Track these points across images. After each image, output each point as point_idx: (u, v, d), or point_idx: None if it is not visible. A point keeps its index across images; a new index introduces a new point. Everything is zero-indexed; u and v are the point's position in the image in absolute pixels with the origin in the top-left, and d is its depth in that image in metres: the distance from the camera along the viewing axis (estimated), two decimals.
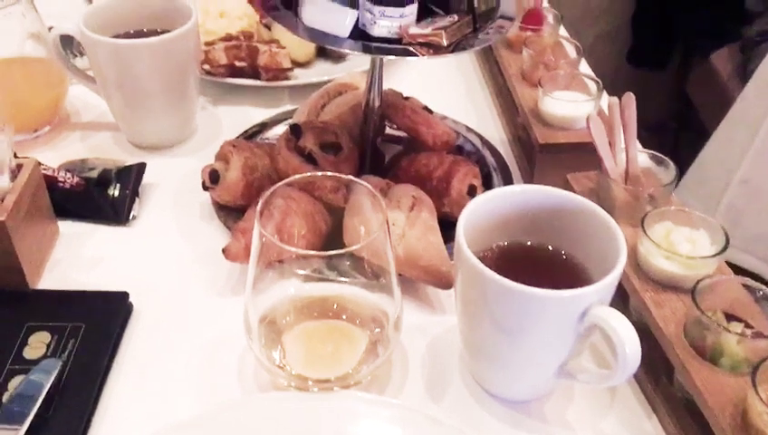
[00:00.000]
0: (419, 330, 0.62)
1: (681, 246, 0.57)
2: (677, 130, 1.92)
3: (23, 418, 0.50)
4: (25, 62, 0.81)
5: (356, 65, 0.92)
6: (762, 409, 0.46)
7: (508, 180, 0.78)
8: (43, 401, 0.52)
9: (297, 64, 0.93)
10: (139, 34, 0.79)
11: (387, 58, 0.67)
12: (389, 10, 0.58)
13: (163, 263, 0.69)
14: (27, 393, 0.52)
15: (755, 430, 0.46)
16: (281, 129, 0.84)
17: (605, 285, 0.48)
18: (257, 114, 0.87)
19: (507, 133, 0.87)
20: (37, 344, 0.57)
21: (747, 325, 0.53)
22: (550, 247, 0.57)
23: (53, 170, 0.70)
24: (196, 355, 0.60)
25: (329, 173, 0.60)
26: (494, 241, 0.57)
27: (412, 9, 0.59)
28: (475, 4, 0.61)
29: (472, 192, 0.70)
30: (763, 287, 0.54)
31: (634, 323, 0.48)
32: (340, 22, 0.58)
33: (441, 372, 0.59)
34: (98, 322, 0.60)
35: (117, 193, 0.72)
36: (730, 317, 0.53)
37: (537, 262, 0.56)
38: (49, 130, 0.84)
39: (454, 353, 0.61)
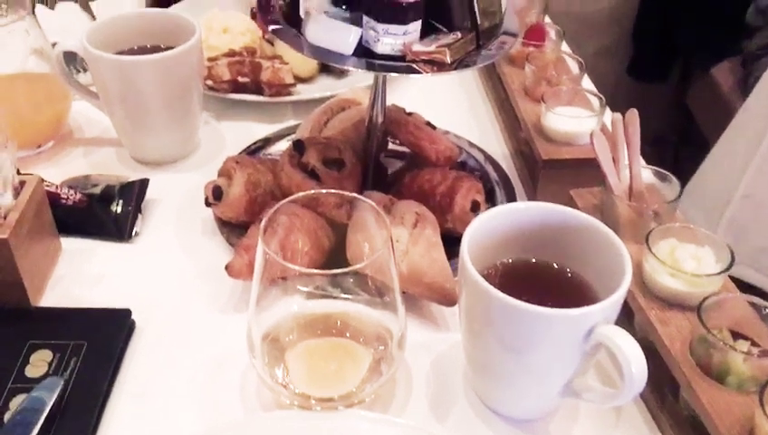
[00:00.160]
0: (423, 347, 0.62)
1: (686, 263, 0.57)
2: (678, 144, 1.92)
3: None
4: (29, 78, 0.81)
5: (359, 81, 0.92)
6: None
7: (511, 196, 0.78)
8: (44, 421, 0.52)
9: (300, 80, 0.93)
10: (143, 50, 0.79)
11: (390, 75, 0.67)
12: (393, 27, 0.58)
13: (166, 279, 0.69)
14: (29, 413, 0.52)
15: None
16: (284, 144, 0.84)
17: (610, 304, 0.48)
18: (260, 129, 0.87)
19: (510, 148, 0.87)
20: (39, 363, 0.57)
21: (754, 344, 0.52)
22: (555, 265, 0.56)
23: (56, 187, 0.70)
24: (198, 373, 0.60)
25: (333, 191, 0.60)
26: (499, 258, 0.57)
27: (416, 27, 0.59)
28: (479, 22, 0.61)
29: (475, 208, 0.70)
30: None
31: (639, 341, 0.48)
32: (344, 39, 0.58)
33: (445, 391, 0.59)
34: (100, 340, 0.59)
35: (119, 209, 0.72)
36: (736, 335, 0.53)
37: (542, 279, 0.56)
38: (52, 145, 0.84)
39: (458, 371, 0.60)
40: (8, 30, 0.77)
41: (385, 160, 0.80)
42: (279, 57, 0.90)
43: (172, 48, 0.76)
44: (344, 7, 0.60)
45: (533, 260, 0.57)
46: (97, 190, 0.73)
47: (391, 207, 0.69)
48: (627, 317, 0.59)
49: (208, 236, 0.73)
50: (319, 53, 0.60)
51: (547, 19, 0.96)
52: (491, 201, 0.76)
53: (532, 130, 0.77)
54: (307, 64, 0.93)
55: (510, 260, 0.57)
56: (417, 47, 0.59)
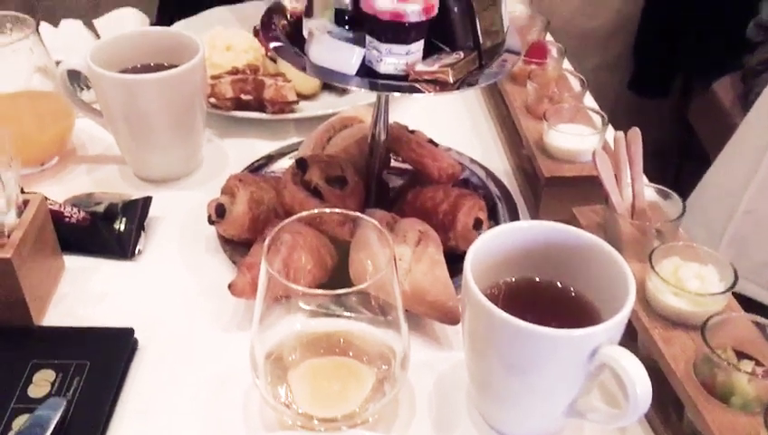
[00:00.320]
0: (426, 366, 0.62)
1: (690, 282, 0.56)
2: (679, 158, 1.92)
3: None
4: (32, 96, 0.82)
5: (361, 98, 0.92)
6: None
7: (513, 213, 0.78)
8: None
9: (302, 97, 0.93)
10: (146, 69, 0.80)
11: (393, 95, 0.67)
12: (396, 47, 0.58)
13: (168, 298, 0.69)
14: (32, 433, 0.51)
15: None
16: (286, 161, 0.84)
17: (614, 325, 0.48)
18: (263, 147, 0.88)
19: (512, 165, 0.87)
20: (42, 383, 0.57)
21: (758, 363, 0.52)
22: (558, 284, 0.56)
23: (60, 205, 0.70)
24: (201, 391, 0.60)
25: (336, 210, 0.60)
26: (502, 277, 0.57)
27: (418, 46, 0.59)
28: (481, 41, 0.61)
29: (478, 226, 0.70)
30: None
31: (643, 360, 0.48)
32: (348, 59, 0.58)
33: (449, 411, 0.59)
34: (103, 359, 0.59)
35: (123, 227, 0.72)
36: (740, 355, 0.53)
37: (546, 298, 0.56)
38: (55, 163, 0.84)
39: (461, 390, 0.60)
40: (13, 48, 0.77)
41: (387, 177, 0.80)
42: (282, 75, 0.90)
43: (176, 66, 0.76)
44: (347, 27, 0.60)
45: (537, 279, 0.57)
46: (100, 208, 0.73)
47: (394, 224, 0.69)
48: (630, 336, 0.59)
49: (211, 254, 0.73)
50: (322, 72, 0.60)
51: (548, 36, 0.97)
52: (493, 218, 0.76)
53: (534, 148, 0.77)
54: (310, 82, 0.93)
55: (513, 279, 0.57)
56: (420, 67, 0.59)
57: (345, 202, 0.70)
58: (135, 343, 0.63)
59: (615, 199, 0.64)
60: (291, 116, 0.90)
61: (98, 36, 1.03)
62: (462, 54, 0.61)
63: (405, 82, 0.59)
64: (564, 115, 0.77)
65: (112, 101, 0.76)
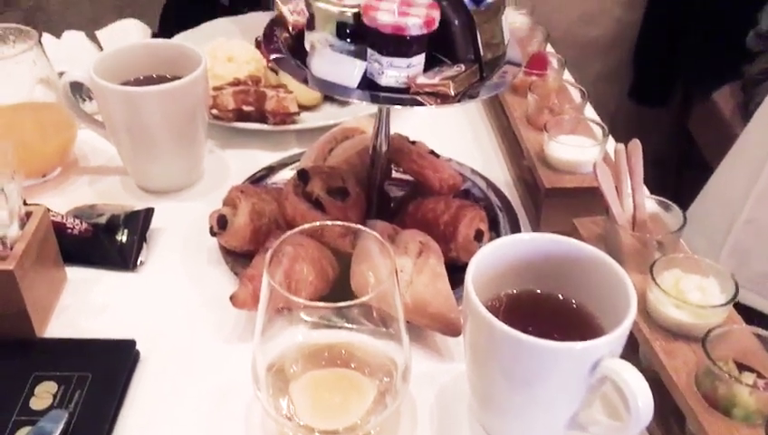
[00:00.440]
0: (427, 377, 0.62)
1: (691, 294, 0.57)
2: (680, 167, 1.92)
3: None
4: (35, 107, 0.82)
5: (362, 109, 0.92)
6: None
7: (514, 224, 0.78)
8: None
9: (304, 108, 0.94)
10: (149, 80, 0.80)
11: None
12: (397, 60, 0.58)
13: (170, 309, 0.69)
14: None
15: None
16: (288, 172, 0.84)
17: (616, 337, 0.48)
18: (265, 158, 0.88)
19: (513, 176, 0.88)
20: (44, 395, 0.57)
21: (760, 375, 0.52)
22: (560, 296, 0.56)
23: (62, 217, 0.70)
24: (203, 403, 0.60)
25: (338, 223, 0.60)
26: (504, 289, 0.57)
27: (419, 59, 0.59)
28: (482, 53, 0.62)
29: (479, 237, 0.70)
30: None
31: (644, 371, 0.48)
32: (349, 73, 0.59)
33: (450, 423, 0.59)
34: (105, 371, 0.59)
35: (125, 239, 0.73)
36: (742, 367, 0.53)
37: (547, 311, 0.56)
38: (58, 174, 0.84)
39: (462, 402, 0.60)
40: (16, 60, 0.77)
41: (388, 188, 0.80)
42: (283, 86, 0.91)
43: (178, 78, 0.76)
44: (348, 40, 0.60)
45: (538, 291, 0.57)
46: (102, 220, 0.73)
47: (395, 236, 0.69)
48: (632, 348, 0.59)
49: (213, 265, 0.73)
50: (324, 85, 0.60)
51: (549, 48, 0.97)
52: (494, 229, 0.76)
53: (534, 159, 0.77)
54: (311, 93, 0.94)
55: (515, 291, 0.57)
56: (421, 79, 0.59)
57: (346, 213, 0.70)
58: (137, 354, 0.63)
59: (616, 211, 0.64)
60: (292, 127, 0.90)
61: (100, 48, 1.04)
62: (463, 67, 0.61)
63: (406, 95, 0.60)
64: (565, 126, 0.77)
65: (115, 112, 0.76)
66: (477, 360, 0.54)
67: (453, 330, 0.63)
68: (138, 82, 0.80)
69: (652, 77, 1.92)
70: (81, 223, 0.71)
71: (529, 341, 0.47)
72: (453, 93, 0.59)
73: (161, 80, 0.78)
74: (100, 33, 1.07)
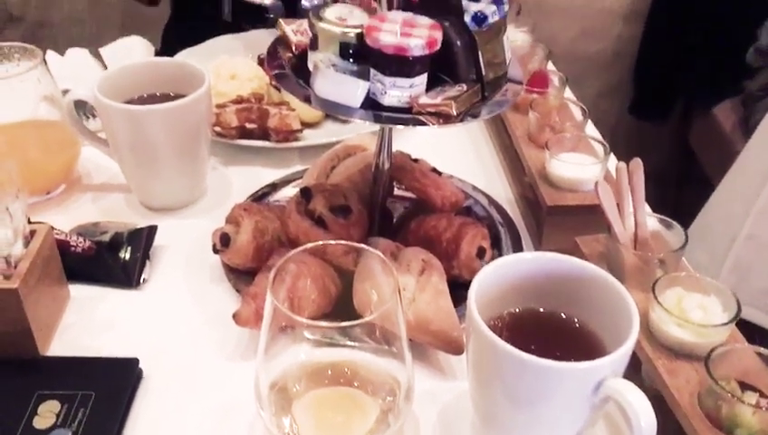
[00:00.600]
0: (430, 396, 0.62)
1: (693, 313, 0.57)
2: (680, 182, 1.92)
3: None
4: (39, 125, 0.82)
5: (364, 127, 0.93)
6: None
7: (516, 241, 0.78)
8: None
9: (306, 125, 0.94)
10: (153, 98, 0.81)
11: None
12: (400, 81, 0.59)
13: (173, 326, 0.69)
14: None
15: None
16: (290, 190, 0.85)
17: (618, 357, 0.48)
18: (267, 175, 0.88)
19: (514, 193, 0.88)
20: (47, 414, 0.57)
21: (762, 395, 0.52)
22: (563, 315, 0.56)
23: (66, 235, 0.71)
24: (205, 422, 0.60)
25: (342, 242, 0.60)
26: (506, 308, 0.57)
27: (422, 79, 0.60)
28: (484, 73, 0.62)
29: (481, 254, 0.71)
30: None
31: (647, 390, 0.48)
32: (352, 93, 0.59)
33: None
34: (108, 390, 0.59)
35: (128, 256, 0.73)
36: (745, 386, 0.53)
37: (550, 330, 0.56)
38: (61, 191, 0.85)
39: (465, 421, 0.60)
40: (20, 78, 0.78)
41: (390, 205, 0.80)
42: (286, 103, 0.91)
43: (182, 96, 0.77)
44: (351, 60, 0.61)
45: (541, 310, 0.57)
46: (106, 238, 0.73)
47: (398, 253, 0.69)
48: (634, 366, 0.59)
49: (216, 283, 0.73)
50: (327, 105, 0.61)
51: (550, 65, 0.98)
52: (496, 247, 0.77)
53: (536, 177, 0.77)
54: (313, 110, 0.94)
55: (517, 310, 0.57)
56: (424, 99, 0.60)
57: (349, 231, 0.70)
58: (140, 372, 0.63)
59: (617, 229, 0.64)
60: (295, 144, 0.91)
61: (104, 65, 1.04)
62: (465, 87, 0.61)
63: (409, 115, 0.60)
64: (566, 144, 0.77)
65: (119, 130, 0.77)
66: (480, 378, 0.54)
67: (455, 348, 0.63)
68: (141, 100, 0.80)
69: (653, 92, 1.93)
70: (85, 241, 0.71)
71: (532, 360, 0.47)
72: (455, 113, 0.59)
73: (165, 98, 0.79)
74: (103, 51, 1.08)
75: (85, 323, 0.68)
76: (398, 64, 0.58)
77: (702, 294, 0.59)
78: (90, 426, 0.56)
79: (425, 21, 0.60)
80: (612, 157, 0.80)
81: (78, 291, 0.71)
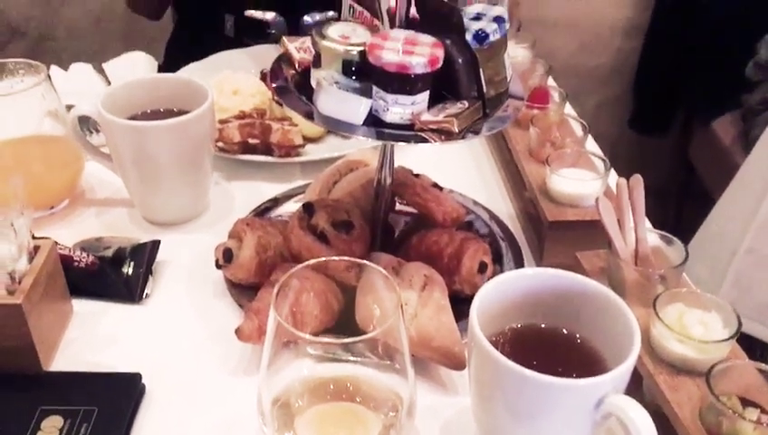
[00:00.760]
0: (432, 411, 0.62)
1: (694, 329, 0.57)
2: (680, 196, 1.93)
3: None
4: (43, 140, 0.83)
5: (366, 142, 0.93)
6: None
7: (518, 256, 0.79)
8: None
9: (308, 140, 0.95)
10: (156, 114, 0.81)
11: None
12: (402, 98, 0.59)
13: (176, 341, 0.69)
14: None
15: None
16: (292, 204, 0.85)
17: (620, 374, 0.48)
18: (269, 189, 0.89)
19: (515, 208, 0.88)
20: (50, 429, 0.57)
21: (763, 411, 0.52)
22: (564, 331, 0.57)
23: (69, 250, 0.71)
24: None
25: (345, 258, 0.61)
26: (508, 323, 0.57)
27: (424, 97, 0.60)
28: (485, 90, 0.63)
29: (482, 269, 0.71)
30: None
31: (648, 406, 0.48)
32: (355, 110, 0.60)
33: None
34: (111, 405, 0.60)
35: (131, 271, 0.73)
36: (746, 402, 0.53)
37: (551, 345, 0.56)
38: (65, 206, 0.85)
39: None
40: (25, 94, 0.79)
41: (392, 220, 0.81)
42: (288, 119, 0.92)
43: (185, 111, 0.78)
44: (354, 78, 0.61)
45: (542, 325, 0.58)
46: (109, 253, 0.74)
47: (399, 269, 0.69)
48: (635, 381, 0.59)
49: (218, 298, 0.73)
50: (330, 122, 0.61)
51: (550, 81, 0.98)
52: (498, 261, 0.77)
53: (537, 192, 0.78)
54: (316, 126, 0.95)
55: (519, 325, 0.57)
56: (426, 116, 0.60)
57: (351, 246, 0.71)
58: (142, 388, 0.63)
59: (618, 245, 0.65)
60: (297, 159, 0.91)
61: (107, 79, 1.05)
62: (466, 104, 0.62)
63: (411, 132, 0.60)
64: (566, 160, 0.78)
65: (123, 146, 0.77)
66: (482, 394, 0.54)
67: (457, 364, 0.63)
68: (145, 116, 0.81)
69: (652, 106, 1.95)
70: (88, 256, 0.72)
71: (534, 377, 0.48)
72: (457, 130, 0.60)
73: (168, 114, 0.79)
74: (107, 66, 1.09)
75: (88, 339, 0.69)
76: (400, 82, 0.59)
77: (703, 309, 0.59)
78: None
79: (427, 39, 0.60)
80: (613, 172, 0.80)
81: (81, 306, 0.71)
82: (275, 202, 0.86)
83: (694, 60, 1.77)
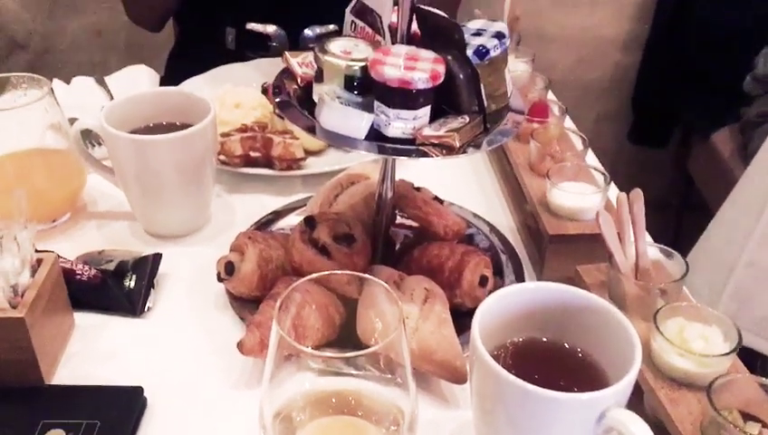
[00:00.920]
0: (434, 425, 0.62)
1: (694, 343, 0.57)
2: (680, 208, 1.93)
3: None
4: (45, 153, 0.83)
5: (367, 155, 0.93)
6: None
7: (518, 269, 0.79)
8: None
9: (310, 153, 0.95)
10: (159, 127, 0.82)
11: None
12: (404, 113, 0.60)
13: (177, 355, 0.69)
14: None
15: None
16: (294, 217, 0.85)
17: (621, 388, 0.48)
18: (271, 202, 0.89)
19: (516, 221, 0.89)
20: None
21: (765, 425, 0.53)
22: (566, 345, 0.57)
23: (72, 263, 0.71)
24: None
25: (347, 272, 0.61)
26: (510, 337, 0.57)
27: (425, 111, 0.61)
28: (486, 105, 0.63)
29: (483, 282, 0.71)
30: None
31: (649, 419, 0.48)
32: (357, 125, 0.60)
33: None
34: (113, 419, 0.60)
35: (133, 284, 0.73)
36: (747, 416, 0.53)
37: (552, 359, 0.57)
38: (67, 219, 0.85)
39: None
40: (28, 108, 0.79)
41: (392, 233, 0.81)
42: (290, 132, 0.92)
43: (187, 125, 0.78)
44: (356, 93, 0.62)
45: (544, 339, 0.58)
46: (111, 266, 0.74)
47: (401, 282, 0.70)
48: (636, 395, 0.59)
49: (220, 311, 0.74)
50: (332, 137, 0.62)
51: (550, 95, 0.99)
52: (499, 275, 0.77)
53: (537, 205, 0.78)
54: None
55: (520, 339, 0.58)
56: (427, 131, 0.61)
57: (353, 260, 0.71)
58: (144, 402, 0.63)
59: (619, 259, 0.65)
60: (298, 173, 0.92)
61: (109, 93, 1.06)
62: (467, 119, 0.62)
63: (412, 146, 0.61)
64: (567, 173, 0.78)
65: (125, 160, 0.78)
66: (484, 408, 0.54)
67: (458, 377, 0.63)
68: (147, 130, 0.81)
69: (651, 119, 1.95)
70: (90, 269, 0.72)
71: (535, 391, 0.48)
72: (458, 145, 0.60)
73: (170, 127, 0.80)
74: (109, 79, 1.09)
75: (90, 352, 0.69)
76: (401, 97, 0.59)
77: (703, 323, 0.59)
78: None
79: (428, 54, 0.61)
80: (613, 186, 0.81)
81: (82, 319, 0.72)
82: (277, 215, 0.86)
83: (692, 73, 1.78)
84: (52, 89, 0.82)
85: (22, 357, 0.62)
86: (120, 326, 0.72)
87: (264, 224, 0.85)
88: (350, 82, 0.62)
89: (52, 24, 1.82)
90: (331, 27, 1.21)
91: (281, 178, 0.93)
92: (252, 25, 1.24)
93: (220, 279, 0.72)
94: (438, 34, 0.62)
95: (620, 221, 0.66)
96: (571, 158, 0.81)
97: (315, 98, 0.64)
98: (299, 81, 0.67)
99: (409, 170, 0.94)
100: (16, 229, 0.62)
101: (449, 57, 0.61)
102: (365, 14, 0.66)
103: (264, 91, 1.03)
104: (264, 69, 1.11)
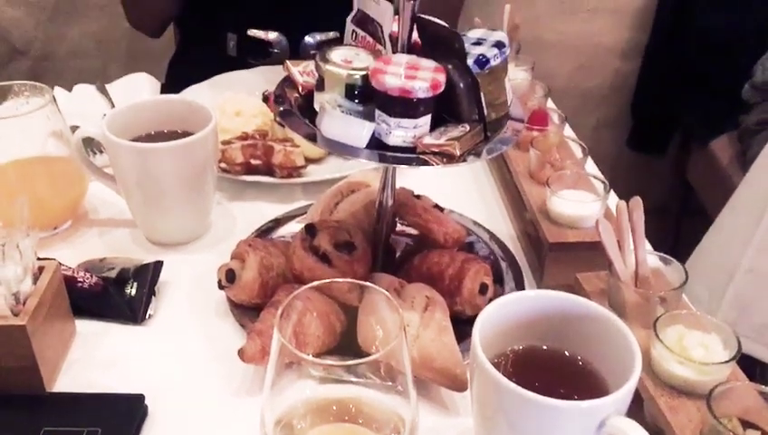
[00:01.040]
0: (434, 433, 0.62)
1: (694, 351, 0.57)
2: (679, 215, 1.94)
3: None
4: (47, 161, 0.83)
5: (368, 163, 0.94)
6: None
7: (519, 277, 0.79)
8: None
9: (310, 161, 0.96)
10: (160, 135, 0.82)
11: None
12: (404, 121, 0.60)
13: (178, 362, 0.69)
14: None
15: None
16: (294, 225, 0.86)
17: (622, 396, 0.49)
18: (271, 210, 0.89)
19: (516, 229, 0.89)
20: None
21: (764, 433, 0.53)
22: (566, 352, 0.57)
23: (73, 271, 0.72)
24: None
25: (347, 279, 0.61)
26: (510, 345, 0.58)
27: (426, 120, 0.61)
28: (486, 114, 0.63)
29: (483, 290, 0.71)
30: None
31: (648, 427, 0.49)
32: (358, 133, 0.61)
33: None
34: (114, 426, 0.60)
35: (134, 292, 0.74)
36: (746, 424, 0.54)
37: (553, 367, 0.57)
38: (68, 226, 0.86)
39: None
40: (30, 116, 0.79)
41: (393, 240, 0.81)
42: (290, 139, 0.93)
43: (189, 133, 0.78)
44: (357, 102, 0.62)
45: (544, 347, 0.58)
46: (112, 274, 0.74)
47: (401, 290, 0.70)
48: (636, 403, 0.59)
49: (221, 318, 0.74)
50: (333, 145, 0.62)
51: (549, 103, 0.99)
52: (499, 282, 0.77)
53: (537, 213, 0.79)
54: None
55: (521, 347, 0.58)
56: (428, 140, 0.61)
57: (353, 267, 0.71)
58: (145, 409, 0.63)
59: (618, 267, 0.65)
60: (299, 180, 0.92)
61: (110, 100, 1.06)
62: (468, 127, 0.63)
63: (413, 155, 0.61)
64: (566, 181, 0.79)
65: (127, 167, 0.78)
66: (484, 415, 0.55)
67: (459, 385, 0.63)
68: (149, 138, 0.82)
69: (650, 126, 1.96)
70: (92, 277, 0.72)
71: (536, 399, 0.48)
72: (458, 153, 0.60)
73: (172, 135, 0.80)
74: (110, 87, 1.10)
75: (91, 359, 0.69)
76: (402, 106, 0.60)
77: (703, 331, 0.59)
78: None
79: (429, 64, 0.61)
80: (612, 194, 0.81)
81: (83, 326, 0.72)
82: (277, 223, 0.87)
83: (691, 81, 1.79)
84: (54, 97, 0.82)
85: (23, 364, 0.62)
86: (122, 334, 0.72)
87: (264, 231, 0.85)
88: (351, 91, 0.62)
89: (52, 30, 1.82)
90: (332, 34, 1.22)
91: (281, 186, 0.93)
92: (253, 32, 1.24)
93: (221, 287, 0.72)
94: (439, 44, 0.63)
95: (620, 229, 0.66)
96: (571, 166, 0.82)
97: (316, 106, 0.64)
98: (300, 89, 0.68)
99: (410, 178, 0.94)
100: (18, 237, 0.62)
101: (450, 66, 0.61)
102: (366, 23, 0.67)
103: (266, 99, 1.04)
104: (265, 77, 1.12)
